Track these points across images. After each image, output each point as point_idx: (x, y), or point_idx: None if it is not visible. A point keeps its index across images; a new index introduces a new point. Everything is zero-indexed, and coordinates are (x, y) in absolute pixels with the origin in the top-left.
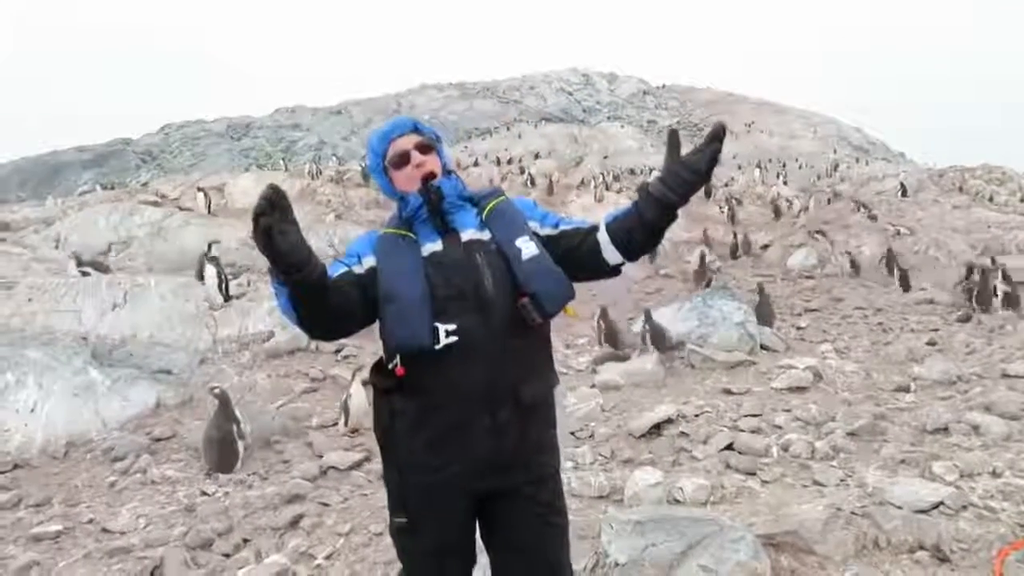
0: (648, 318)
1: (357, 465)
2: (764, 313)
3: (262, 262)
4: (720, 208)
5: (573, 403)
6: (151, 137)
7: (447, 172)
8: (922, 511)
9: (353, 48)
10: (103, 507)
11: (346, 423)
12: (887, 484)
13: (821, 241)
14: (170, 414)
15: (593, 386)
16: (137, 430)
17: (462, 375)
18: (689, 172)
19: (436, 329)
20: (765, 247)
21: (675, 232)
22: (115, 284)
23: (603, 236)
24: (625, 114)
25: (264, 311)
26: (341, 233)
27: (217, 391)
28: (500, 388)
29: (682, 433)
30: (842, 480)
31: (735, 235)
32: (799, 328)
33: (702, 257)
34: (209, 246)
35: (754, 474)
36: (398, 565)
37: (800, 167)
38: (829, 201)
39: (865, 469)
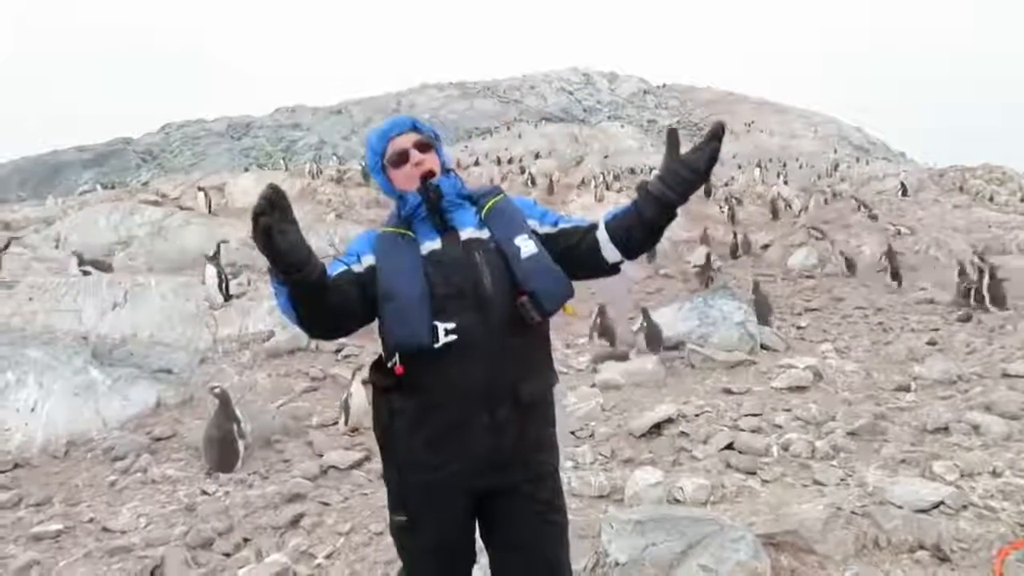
0: (646, 317)
1: (357, 464)
2: (761, 311)
3: (262, 261)
4: (720, 208)
5: (573, 402)
6: (151, 137)
7: (446, 171)
8: (922, 511)
9: (353, 48)
10: (103, 506)
11: (346, 422)
12: (887, 484)
13: (820, 239)
14: (170, 413)
15: (593, 385)
16: (137, 429)
17: (461, 374)
18: (688, 171)
19: (435, 328)
20: (765, 247)
21: (675, 232)
22: (115, 283)
23: (602, 234)
24: (625, 114)
25: (264, 310)
26: (341, 232)
27: (217, 390)
28: (499, 386)
29: (682, 433)
30: (842, 480)
31: (735, 235)
32: (799, 328)
33: (707, 256)
34: (218, 246)
35: (754, 474)
36: (398, 564)
37: (800, 167)
38: (826, 202)
39: (865, 469)
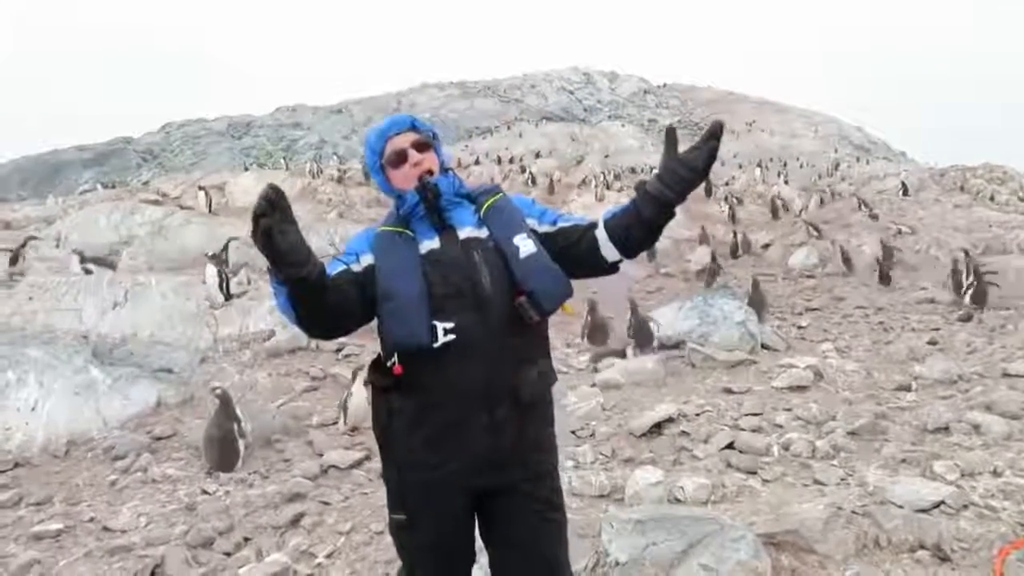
0: (634, 313)
1: (358, 464)
2: (758, 308)
3: (262, 261)
4: (720, 207)
5: (574, 402)
6: (152, 136)
7: (445, 170)
8: (923, 510)
9: (353, 47)
10: (104, 505)
11: (346, 422)
12: (888, 483)
13: (818, 239)
14: (171, 413)
15: (594, 385)
16: (138, 429)
17: (460, 373)
18: (686, 169)
19: (434, 327)
20: (766, 246)
21: (675, 231)
22: (116, 283)
23: (601, 233)
24: (626, 113)
25: (265, 310)
26: (342, 232)
27: (218, 390)
28: (498, 386)
29: (683, 432)
30: (843, 479)
31: (735, 234)
32: (800, 327)
33: (713, 255)
34: (227, 243)
35: (755, 473)
36: (399, 563)
37: (801, 166)
38: (823, 201)
39: (866, 468)
